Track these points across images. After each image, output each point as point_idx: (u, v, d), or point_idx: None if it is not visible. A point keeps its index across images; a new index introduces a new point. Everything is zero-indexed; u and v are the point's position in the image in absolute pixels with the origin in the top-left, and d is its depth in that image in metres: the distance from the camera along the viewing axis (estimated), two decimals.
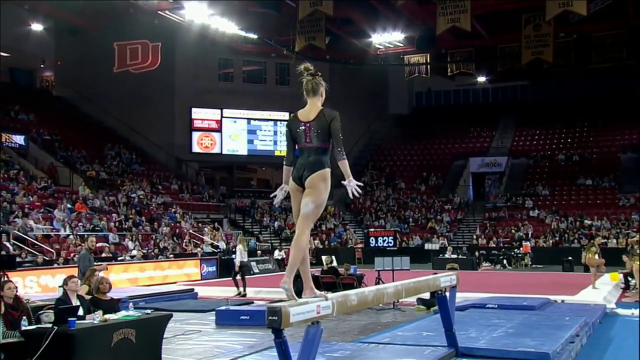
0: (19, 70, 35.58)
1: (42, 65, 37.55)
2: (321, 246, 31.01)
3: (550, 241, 30.09)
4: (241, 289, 16.28)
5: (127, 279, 18.69)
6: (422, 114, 43.38)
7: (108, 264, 17.88)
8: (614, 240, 28.36)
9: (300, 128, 4.96)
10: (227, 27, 28.44)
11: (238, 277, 16.49)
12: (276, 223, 33.34)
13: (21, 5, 27.68)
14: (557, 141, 38.97)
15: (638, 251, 12.50)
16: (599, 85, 38.82)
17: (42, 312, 6.67)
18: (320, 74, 5.09)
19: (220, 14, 27.27)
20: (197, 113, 35.26)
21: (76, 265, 12.73)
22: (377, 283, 12.72)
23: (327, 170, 4.96)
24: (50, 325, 6.22)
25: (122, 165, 31.10)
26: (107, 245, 20.98)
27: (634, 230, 28.63)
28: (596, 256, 17.06)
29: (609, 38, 26.65)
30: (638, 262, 12.25)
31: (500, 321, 9.49)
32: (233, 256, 24.28)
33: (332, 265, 16.79)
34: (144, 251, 21.93)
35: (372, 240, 17.81)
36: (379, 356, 7.21)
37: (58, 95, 35.57)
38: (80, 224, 22.30)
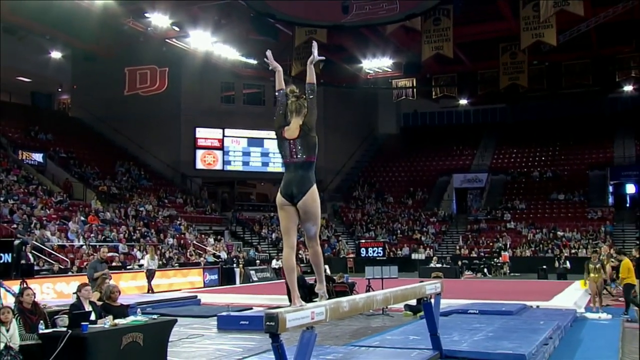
0: (39, 94, 35.72)
1: (59, 89, 37.63)
2: None
3: (527, 251, 30.14)
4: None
5: (135, 286, 18.60)
6: (409, 133, 43.54)
7: (118, 272, 17.95)
8: (584, 251, 28.43)
9: (286, 145, 5.13)
10: (229, 53, 28.57)
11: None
12: (274, 234, 33.25)
13: (43, 35, 27.79)
14: (533, 159, 39.15)
15: (598, 265, 12.52)
16: (569, 109, 39.25)
17: (57, 316, 6.65)
18: (304, 96, 5.27)
19: (222, 41, 27.42)
20: (201, 132, 35.28)
21: None
22: (368, 290, 12.71)
23: (315, 187, 4.96)
24: (65, 329, 6.20)
25: (132, 180, 31.05)
26: (117, 254, 20.90)
27: (602, 241, 28.74)
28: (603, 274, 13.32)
29: (577, 66, 26.99)
30: (598, 274, 12.28)
31: (481, 325, 9.49)
32: (234, 265, 24.43)
33: (326, 273, 16.75)
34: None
35: (363, 250, 17.85)
36: (369, 359, 7.20)
37: (74, 116, 35.58)
38: (92, 235, 22.23)
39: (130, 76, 26.05)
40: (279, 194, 5.03)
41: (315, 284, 15.44)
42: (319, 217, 5.05)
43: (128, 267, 20.11)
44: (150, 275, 18.31)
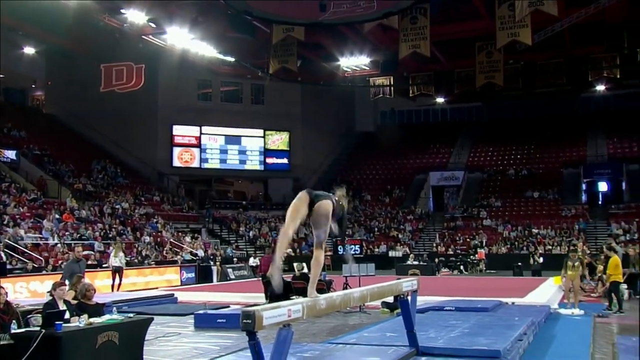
0: (12, 90, 35.06)
1: (33, 85, 37.03)
2: (293, 254, 30.89)
3: (503, 248, 30.47)
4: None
5: (111, 285, 18.38)
6: (386, 131, 43.67)
7: (93, 271, 17.75)
8: (558, 248, 28.85)
9: None
10: (206, 50, 28.36)
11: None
12: (251, 232, 33.18)
13: (16, 30, 27.31)
14: (508, 157, 39.58)
15: (577, 262, 12.68)
16: (543, 108, 39.77)
17: (30, 316, 6.56)
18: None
19: (199, 39, 27.20)
20: (178, 130, 35.07)
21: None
22: (345, 288, 12.74)
23: (331, 203, 5.47)
24: (38, 329, 6.11)
25: (108, 178, 30.73)
26: (93, 253, 20.67)
27: (575, 238, 29.18)
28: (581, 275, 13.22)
29: (551, 66, 27.31)
30: (574, 272, 12.45)
31: (457, 322, 9.55)
32: (211, 263, 24.34)
33: (303, 271, 16.75)
34: (128, 259, 21.61)
35: (340, 248, 17.89)
36: (346, 356, 7.21)
37: (48, 113, 35.09)
38: (67, 233, 21.96)
39: (106, 73, 25.71)
40: (306, 192, 5.49)
41: (290, 281, 15.40)
42: (328, 226, 5.46)
43: (104, 265, 19.89)
44: (115, 272, 17.72)
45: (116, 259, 17.86)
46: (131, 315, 7.58)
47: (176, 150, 35.09)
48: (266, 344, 4.74)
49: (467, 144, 41.80)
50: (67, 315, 6.66)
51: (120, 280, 17.81)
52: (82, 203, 25.79)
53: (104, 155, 32.63)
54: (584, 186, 35.70)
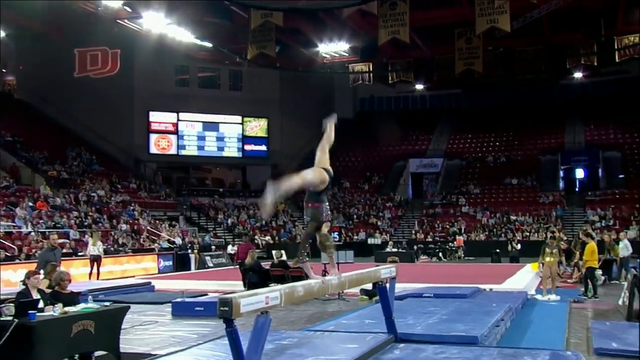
0: None
1: (4, 70, 36.24)
2: (272, 242, 30.93)
3: (481, 235, 30.78)
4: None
5: (87, 273, 18.19)
6: (365, 118, 43.69)
7: (69, 259, 17.57)
8: (535, 234, 29.22)
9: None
10: (183, 35, 28.02)
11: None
12: (229, 220, 33.09)
13: None
14: (487, 144, 39.89)
15: (555, 249, 12.84)
16: (522, 95, 40.06)
17: (3, 305, 6.45)
18: None
19: (176, 23, 26.86)
20: (155, 116, 34.75)
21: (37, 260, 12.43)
22: (324, 275, 12.76)
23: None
24: (11, 318, 6.03)
25: (83, 165, 30.36)
26: (68, 241, 20.46)
27: (553, 224, 29.59)
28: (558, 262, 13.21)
29: (530, 53, 27.49)
30: (552, 259, 12.61)
31: (435, 309, 9.66)
32: (189, 251, 24.26)
33: (281, 259, 16.78)
34: (104, 247, 21.42)
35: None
36: (325, 343, 7.25)
37: (20, 98, 34.40)
38: (41, 221, 21.69)
39: (80, 57, 25.29)
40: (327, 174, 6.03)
41: (269, 269, 15.37)
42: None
43: (79, 253, 19.70)
44: (93, 261, 17.62)
45: (94, 247, 17.72)
46: (107, 303, 7.52)
47: (153, 137, 34.79)
48: (244, 332, 4.74)
49: (446, 131, 42.01)
50: (41, 305, 6.59)
51: (98, 268, 17.66)
52: (56, 190, 25.48)
53: (79, 141, 32.20)
54: (561, 173, 36.16)
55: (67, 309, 6.57)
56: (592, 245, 12.76)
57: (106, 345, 6.93)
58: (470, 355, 6.48)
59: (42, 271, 8.56)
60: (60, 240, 18.42)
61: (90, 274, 17.51)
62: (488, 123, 40.40)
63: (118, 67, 25.45)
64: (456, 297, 11.47)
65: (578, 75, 35.22)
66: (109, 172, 31.24)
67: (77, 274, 17.09)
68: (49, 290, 7.40)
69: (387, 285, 7.44)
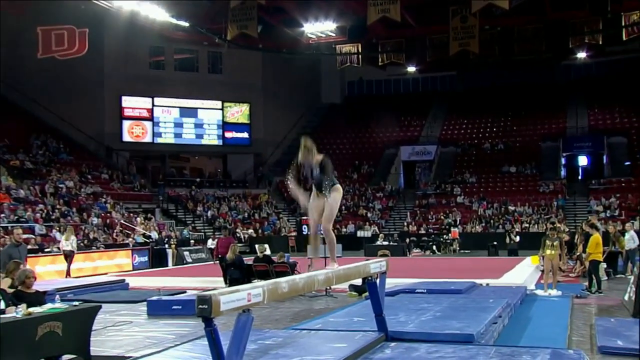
0: None
1: None
2: (255, 235, 30.91)
3: (477, 227, 30.94)
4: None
5: (55, 270, 18.14)
6: (354, 103, 43.74)
7: (34, 256, 17.44)
8: (535, 226, 29.41)
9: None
10: (158, 14, 27.76)
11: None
12: (209, 212, 33.01)
13: None
14: (484, 130, 40.05)
15: (556, 242, 12.89)
16: (521, 77, 40.25)
17: None
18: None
19: (150, 1, 26.63)
20: (128, 101, 34.51)
21: None
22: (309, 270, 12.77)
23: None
24: None
25: (49, 154, 30.11)
26: (34, 236, 20.31)
27: (554, 215, 29.78)
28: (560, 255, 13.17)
29: (530, 32, 27.51)
30: (552, 252, 12.67)
31: (428, 305, 9.68)
32: (166, 246, 24.20)
33: (265, 253, 16.79)
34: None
35: (305, 228, 17.93)
36: (311, 342, 7.24)
37: None
38: (2, 215, 21.51)
39: (44, 37, 24.91)
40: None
41: (252, 264, 15.35)
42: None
43: (46, 249, 19.56)
44: (67, 257, 17.69)
45: (67, 242, 17.69)
46: (76, 303, 7.46)
47: (126, 124, 34.56)
48: (225, 332, 4.71)
49: (440, 116, 42.12)
50: (2, 306, 6.52)
51: (69, 265, 17.67)
52: (20, 182, 25.27)
53: (44, 129, 31.89)
54: (563, 160, 36.39)
55: (31, 309, 6.50)
56: (596, 237, 12.82)
57: (75, 348, 6.87)
58: (465, 355, 6.49)
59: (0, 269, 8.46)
60: (25, 236, 18.28)
61: (68, 271, 17.48)
62: (485, 107, 40.55)
63: (86, 48, 25.12)
64: (451, 293, 11.52)
65: (581, 55, 35.28)
66: (78, 161, 31.01)
67: (44, 271, 17.01)
68: (11, 290, 7.32)
69: (377, 280, 7.44)
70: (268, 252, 18.61)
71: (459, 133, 40.42)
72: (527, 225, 30.03)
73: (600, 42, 27.62)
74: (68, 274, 17.55)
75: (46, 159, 29.47)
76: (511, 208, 32.01)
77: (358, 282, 11.84)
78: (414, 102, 42.44)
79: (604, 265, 13.97)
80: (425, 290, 11.91)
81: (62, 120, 32.38)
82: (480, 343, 7.28)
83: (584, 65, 38.35)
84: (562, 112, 39.03)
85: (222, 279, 14.91)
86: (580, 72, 39.50)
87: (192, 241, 27.20)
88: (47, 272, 17.36)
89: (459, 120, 41.31)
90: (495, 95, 40.54)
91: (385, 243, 26.00)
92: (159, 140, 35.61)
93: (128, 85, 33.91)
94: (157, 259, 22.90)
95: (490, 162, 36.95)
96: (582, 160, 37.17)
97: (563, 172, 35.86)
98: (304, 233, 18.35)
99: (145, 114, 35.07)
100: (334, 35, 30.89)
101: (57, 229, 22.16)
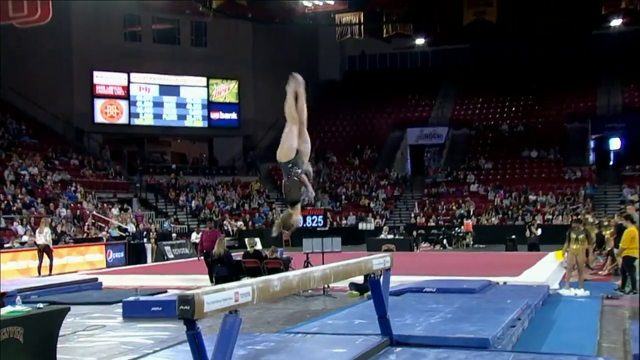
0: None
1: None
2: (244, 228, 30.94)
3: (494, 218, 30.97)
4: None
5: (16, 268, 18.12)
6: (355, 79, 43.62)
7: None
8: (559, 217, 29.43)
9: None
10: None
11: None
12: (193, 202, 33.01)
13: None
14: (501, 110, 40.00)
15: (582, 235, 12.84)
16: (545, 50, 39.91)
17: None
18: None
19: None
20: (100, 77, 34.37)
21: None
22: (306, 267, 12.78)
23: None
24: None
25: (9, 137, 30.01)
26: None
27: (581, 205, 29.77)
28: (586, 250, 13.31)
29: (553, 1, 27.24)
30: (578, 246, 12.64)
31: (438, 306, 9.70)
32: (144, 240, 24.22)
33: (256, 248, 16.80)
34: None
35: (301, 219, 17.93)
36: (306, 347, 7.25)
37: None
38: None
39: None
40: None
41: (241, 260, 15.35)
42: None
43: (6, 245, 19.55)
44: (42, 251, 17.86)
45: (41, 235, 17.85)
46: (41, 305, 7.44)
47: (98, 103, 34.44)
48: (210, 335, 4.70)
49: (451, 95, 42.06)
50: None
51: (51, 260, 17.93)
52: None
53: (3, 108, 31.76)
54: (592, 143, 36.33)
55: None
56: (632, 230, 12.70)
57: (39, 357, 6.85)
58: None
59: None
60: None
61: (40, 267, 17.56)
62: (502, 84, 40.40)
63: (50, 15, 24.82)
64: (463, 292, 11.54)
65: (616, 22, 34.90)
66: (43, 145, 30.97)
67: (4, 270, 16.91)
68: None
69: (381, 278, 7.44)
70: (259, 246, 18.60)
71: (473, 113, 40.37)
72: (550, 216, 30.06)
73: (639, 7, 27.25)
74: (49, 269, 17.68)
75: (6, 141, 29.37)
76: (532, 197, 32.03)
77: (359, 280, 11.84)
78: (422, 79, 42.30)
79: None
80: (434, 289, 11.93)
81: (24, 99, 32.23)
82: (496, 349, 7.29)
83: (619, 34, 37.99)
84: (591, 89, 38.76)
85: (207, 276, 14.92)
86: (615, 42, 38.99)
87: (173, 235, 27.19)
88: (7, 270, 17.28)
89: (474, 99, 41.25)
90: (514, 70, 40.36)
91: (390, 237, 26.02)
92: (136, 121, 35.51)
93: (100, 59, 33.71)
94: (134, 255, 22.90)
95: (508, 146, 36.91)
96: (614, 143, 37.06)
97: (592, 157, 35.82)
98: (300, 226, 18.35)
99: (120, 91, 34.96)
100: (332, 3, 30.79)
101: (19, 221, 22.14)
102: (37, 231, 18.26)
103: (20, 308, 6.89)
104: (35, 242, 18.07)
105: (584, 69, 38.84)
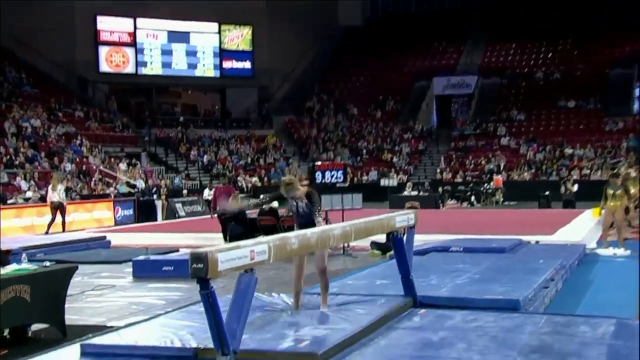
0: None
1: None
2: (260, 184, 31.04)
3: (526, 174, 30.83)
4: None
5: (20, 226, 18.32)
6: (377, 25, 43.15)
7: None
8: (598, 172, 29.19)
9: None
10: None
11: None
12: (205, 157, 33.10)
13: None
14: (536, 56, 39.56)
15: (619, 190, 12.71)
16: None
17: None
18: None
19: None
20: (104, 22, 34.30)
21: None
22: (325, 224, 12.82)
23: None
24: None
25: (9, 86, 30.08)
26: None
27: (624, 159, 29.43)
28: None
29: None
30: (616, 202, 12.54)
31: (465, 266, 9.72)
32: (154, 196, 24.40)
33: (272, 206, 16.84)
34: (42, 192, 21.48)
35: (319, 174, 17.84)
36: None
37: None
38: None
39: None
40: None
41: (256, 218, 15.48)
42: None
43: (9, 201, 19.75)
44: (56, 209, 17.86)
45: (55, 192, 17.82)
46: (48, 263, 7.53)
47: (103, 50, 34.42)
48: (224, 296, 4.75)
49: (481, 40, 41.58)
50: None
51: (64, 218, 17.96)
52: None
53: (2, 55, 31.77)
54: (637, 91, 35.69)
55: None
56: None
57: (46, 316, 6.94)
58: (509, 324, 6.51)
59: None
60: None
61: (50, 225, 17.64)
62: (537, 27, 39.76)
63: None
64: (492, 252, 11.54)
65: None
66: (45, 95, 31.07)
67: (7, 226, 17.14)
68: None
69: (405, 236, 7.45)
70: (275, 204, 18.62)
71: (504, 60, 39.97)
72: (588, 171, 29.85)
73: None
74: (63, 228, 17.81)
75: (5, 92, 29.44)
76: (568, 151, 31.79)
77: (382, 238, 11.89)
78: (449, 23, 41.74)
79: None
80: (461, 249, 11.95)
81: (23, 46, 32.28)
82: (527, 311, 7.30)
83: None
84: (638, 30, 37.84)
85: (221, 235, 15.02)
86: None
87: (185, 191, 27.36)
88: (10, 227, 17.50)
89: (505, 44, 40.77)
90: (550, 11, 39.62)
91: (414, 193, 26.03)
92: (143, 70, 35.49)
93: (104, 3, 33.57)
94: (143, 212, 23.10)
95: (543, 95, 36.54)
96: None
97: (637, 106, 35.18)
98: (317, 181, 18.28)
99: (126, 38, 34.88)
100: None
101: (22, 176, 22.31)
102: (50, 188, 18.16)
103: (26, 266, 6.97)
104: (49, 200, 17.98)
105: (630, 7, 37.72)
